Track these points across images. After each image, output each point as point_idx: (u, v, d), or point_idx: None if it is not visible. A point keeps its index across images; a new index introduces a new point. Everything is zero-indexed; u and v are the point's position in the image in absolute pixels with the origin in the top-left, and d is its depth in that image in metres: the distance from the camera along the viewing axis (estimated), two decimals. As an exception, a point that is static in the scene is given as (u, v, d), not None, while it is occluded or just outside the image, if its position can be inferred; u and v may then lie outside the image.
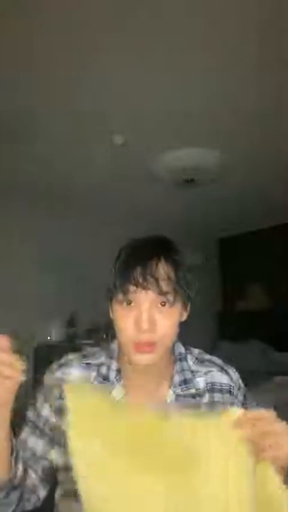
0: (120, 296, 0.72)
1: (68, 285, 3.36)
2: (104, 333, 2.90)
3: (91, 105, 2.01)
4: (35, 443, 0.80)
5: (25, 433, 0.80)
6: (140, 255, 0.72)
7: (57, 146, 2.45)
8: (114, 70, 1.75)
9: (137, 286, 0.70)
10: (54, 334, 3.19)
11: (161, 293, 0.70)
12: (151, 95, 1.95)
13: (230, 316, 4.58)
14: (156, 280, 0.70)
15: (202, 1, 1.39)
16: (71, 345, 3.14)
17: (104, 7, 1.40)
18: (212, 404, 0.80)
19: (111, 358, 0.82)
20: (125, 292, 0.71)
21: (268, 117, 2.18)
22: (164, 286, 0.70)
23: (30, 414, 0.82)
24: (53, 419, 0.78)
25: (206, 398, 0.81)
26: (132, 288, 0.70)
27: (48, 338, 3.16)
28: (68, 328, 3.25)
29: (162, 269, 0.71)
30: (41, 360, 3.02)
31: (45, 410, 0.79)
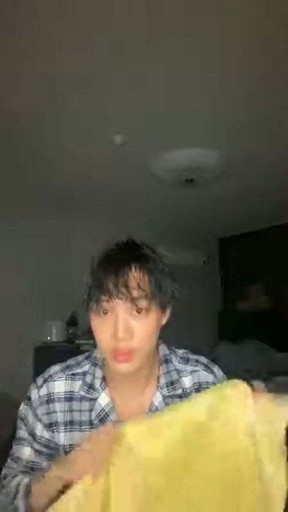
0: (94, 306, 0.73)
1: (68, 285, 3.36)
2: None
3: (91, 105, 2.01)
4: (35, 457, 0.81)
5: (25, 451, 0.82)
6: (110, 264, 0.72)
7: (57, 146, 2.45)
8: (115, 70, 1.75)
9: (110, 297, 0.70)
10: (54, 334, 3.18)
11: (134, 301, 0.70)
12: (151, 95, 1.95)
13: (230, 317, 4.57)
14: (128, 289, 0.70)
15: (203, 1, 1.39)
16: (71, 345, 3.14)
17: (104, 7, 1.40)
18: None
19: (95, 365, 0.83)
20: (99, 303, 0.71)
21: (268, 117, 2.18)
22: (136, 294, 0.70)
23: (23, 433, 0.82)
24: (46, 435, 0.80)
25: None
26: (105, 298, 0.71)
27: (48, 338, 3.16)
28: (68, 328, 3.25)
29: (133, 277, 0.71)
30: (41, 360, 3.03)
31: (38, 429, 0.80)
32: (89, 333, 0.74)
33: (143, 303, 0.71)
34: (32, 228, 3.33)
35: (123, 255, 0.74)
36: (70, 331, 3.23)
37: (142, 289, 0.71)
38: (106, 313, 0.72)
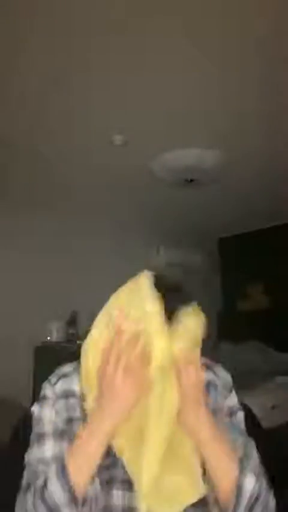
0: None
1: (68, 285, 3.36)
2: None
3: (91, 105, 2.01)
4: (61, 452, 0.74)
5: (48, 448, 0.73)
6: None
7: (56, 146, 2.45)
8: (114, 70, 1.75)
9: None
10: (55, 334, 3.18)
11: None
12: (151, 95, 1.95)
13: (230, 317, 4.57)
14: None
15: (202, 2, 1.39)
16: (71, 345, 3.14)
17: (104, 7, 1.40)
18: None
19: None
20: None
21: (268, 117, 2.18)
22: None
23: (41, 428, 0.76)
24: (66, 429, 0.76)
25: None
26: None
27: (48, 338, 3.16)
28: (68, 328, 3.25)
29: None
30: (41, 360, 3.03)
31: (59, 422, 0.76)
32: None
33: None
34: (32, 227, 3.33)
35: None
36: (70, 331, 3.23)
37: None
38: None
